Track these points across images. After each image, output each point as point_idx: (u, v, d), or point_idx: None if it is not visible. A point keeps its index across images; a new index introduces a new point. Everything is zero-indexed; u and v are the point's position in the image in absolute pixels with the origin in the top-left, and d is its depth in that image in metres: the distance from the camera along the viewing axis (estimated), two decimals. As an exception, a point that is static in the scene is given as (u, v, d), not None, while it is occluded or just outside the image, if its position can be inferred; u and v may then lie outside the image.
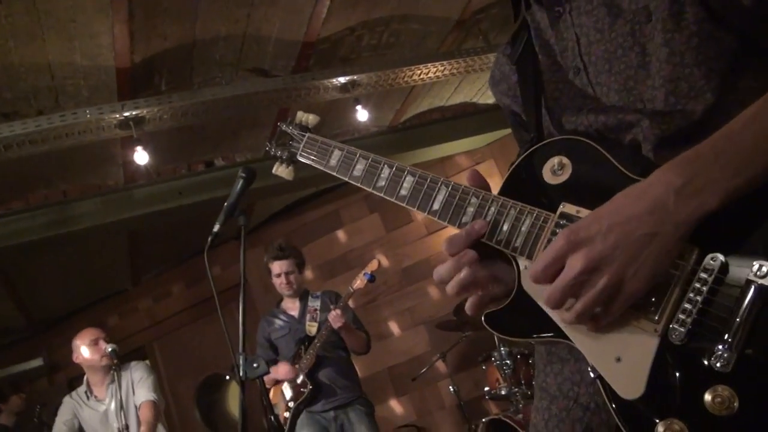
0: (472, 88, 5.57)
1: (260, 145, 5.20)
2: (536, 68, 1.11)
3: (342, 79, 4.21)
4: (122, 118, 3.70)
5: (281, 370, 3.74)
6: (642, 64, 0.95)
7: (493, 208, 1.01)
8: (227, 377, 6.70)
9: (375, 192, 1.16)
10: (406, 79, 4.46)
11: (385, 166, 1.15)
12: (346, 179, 1.21)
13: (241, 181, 2.28)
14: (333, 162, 1.24)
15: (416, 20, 4.30)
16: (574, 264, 0.84)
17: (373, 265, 3.90)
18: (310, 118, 1.40)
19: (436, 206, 1.07)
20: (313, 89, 4.20)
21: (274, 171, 1.46)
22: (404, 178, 1.12)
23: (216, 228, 2.27)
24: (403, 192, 1.11)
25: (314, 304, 3.95)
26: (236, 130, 4.89)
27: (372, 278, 3.85)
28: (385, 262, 5.71)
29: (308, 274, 5.93)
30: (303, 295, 4.00)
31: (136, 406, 3.71)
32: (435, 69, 4.47)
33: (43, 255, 5.22)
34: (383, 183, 1.15)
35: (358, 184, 1.19)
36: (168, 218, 4.95)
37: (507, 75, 1.21)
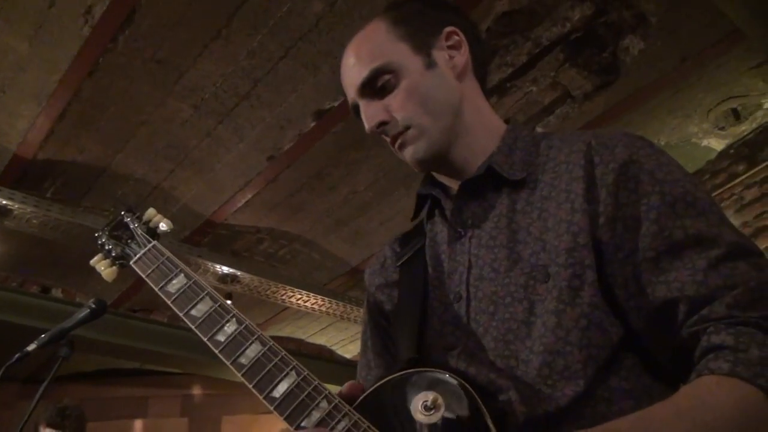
0: (336, 336, 5.58)
1: (107, 295, 4.82)
2: (425, 280, 1.05)
3: (226, 269, 4.13)
4: (-11, 201, 3.39)
5: None
6: (526, 321, 0.91)
7: (343, 423, 0.87)
8: None
9: (210, 345, 0.99)
10: (284, 297, 4.44)
11: (234, 320, 1.00)
12: (181, 315, 1.04)
13: (87, 311, 2.04)
14: (172, 289, 1.07)
15: (318, 250, 4.43)
16: None
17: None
18: (163, 224, 1.21)
19: (276, 393, 0.91)
20: (194, 265, 4.07)
21: (92, 262, 1.25)
22: (250, 344, 0.96)
23: (31, 347, 1.96)
24: (243, 360, 0.95)
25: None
26: (94, 269, 4.55)
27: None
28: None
29: (81, 453, 5.11)
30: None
31: None
32: (315, 301, 4.50)
33: None
34: (223, 339, 0.98)
35: (193, 327, 1.01)
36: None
37: (388, 270, 1.15)
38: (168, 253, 1.14)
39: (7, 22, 2.71)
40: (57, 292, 4.76)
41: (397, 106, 1.04)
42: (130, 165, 3.60)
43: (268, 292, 4.38)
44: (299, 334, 5.61)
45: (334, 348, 5.80)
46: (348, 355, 5.80)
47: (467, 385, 0.87)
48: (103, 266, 1.24)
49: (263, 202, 3.92)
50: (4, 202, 3.42)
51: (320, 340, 5.70)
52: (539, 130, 3.44)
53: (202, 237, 4.18)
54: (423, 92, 1.04)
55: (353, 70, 1.07)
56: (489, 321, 0.94)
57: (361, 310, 4.22)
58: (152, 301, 4.82)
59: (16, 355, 1.97)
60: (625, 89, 3.23)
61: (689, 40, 2.96)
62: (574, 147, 0.98)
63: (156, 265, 1.12)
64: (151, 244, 1.16)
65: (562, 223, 0.93)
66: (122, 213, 1.25)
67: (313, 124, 3.32)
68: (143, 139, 3.40)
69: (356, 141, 3.45)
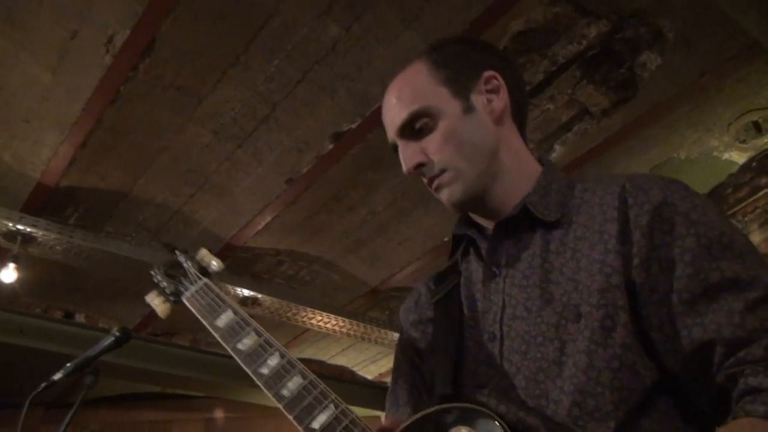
0: (357, 356, 5.55)
1: (130, 320, 4.86)
2: (460, 318, 1.06)
3: (246, 292, 4.14)
4: (14, 229, 3.44)
5: None
6: (557, 361, 0.91)
7: None
8: None
9: (254, 377, 1.05)
10: (305, 319, 4.43)
11: (277, 353, 1.05)
12: (228, 348, 1.11)
13: (112, 339, 2.04)
14: (220, 323, 1.14)
15: (338, 271, 4.43)
16: None
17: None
18: (214, 263, 1.30)
19: (316, 425, 0.95)
20: (215, 289, 4.08)
21: (147, 299, 1.33)
22: (291, 377, 1.02)
23: (57, 376, 1.97)
24: (285, 392, 1.00)
25: None
26: (116, 294, 4.60)
27: None
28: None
29: (105, 478, 5.13)
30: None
31: None
32: (335, 322, 4.48)
33: None
34: (266, 372, 1.04)
35: (239, 360, 1.08)
36: (-9, 351, 4.33)
37: (422, 308, 1.17)
38: (217, 290, 1.21)
39: (31, 54, 2.77)
40: (80, 318, 4.80)
41: (434, 148, 1.06)
42: (151, 190, 3.64)
43: (288, 314, 4.38)
44: (320, 356, 5.60)
45: (355, 369, 5.77)
46: (369, 376, 5.77)
47: (501, 421, 0.88)
48: (157, 302, 1.31)
49: (282, 225, 3.94)
50: (28, 229, 3.47)
51: (341, 361, 5.68)
52: (558, 147, 3.43)
53: (222, 260, 4.19)
54: (460, 137, 1.06)
55: (393, 111, 1.10)
56: (521, 360, 0.95)
57: (381, 331, 4.18)
58: (174, 325, 4.84)
59: (42, 384, 1.97)
60: (644, 105, 3.22)
61: (707, 55, 2.94)
62: (608, 189, 0.99)
63: (206, 301, 1.19)
64: (202, 282, 1.24)
65: (595, 264, 0.93)
66: (177, 252, 1.33)
67: (331, 147, 3.34)
68: (164, 164, 3.44)
69: (374, 162, 3.46)
